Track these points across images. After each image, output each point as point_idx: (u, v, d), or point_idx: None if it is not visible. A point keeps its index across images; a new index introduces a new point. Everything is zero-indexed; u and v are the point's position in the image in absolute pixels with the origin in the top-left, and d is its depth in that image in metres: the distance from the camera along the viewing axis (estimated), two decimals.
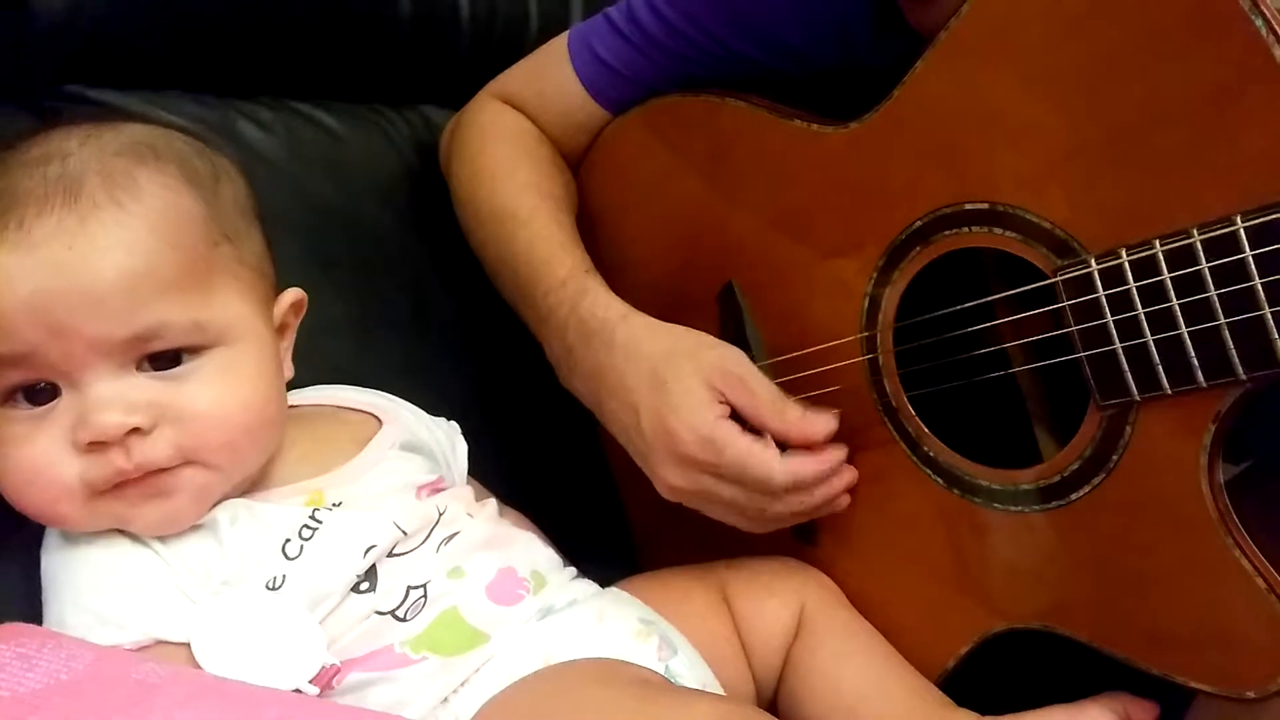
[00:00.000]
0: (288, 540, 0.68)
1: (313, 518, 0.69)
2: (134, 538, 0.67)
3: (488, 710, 0.67)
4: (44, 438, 0.64)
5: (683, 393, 0.76)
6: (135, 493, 0.65)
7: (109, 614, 0.64)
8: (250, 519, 0.68)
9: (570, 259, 0.86)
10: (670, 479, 0.77)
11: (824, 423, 0.77)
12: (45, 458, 0.64)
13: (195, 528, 0.68)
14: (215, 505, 0.68)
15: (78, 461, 0.64)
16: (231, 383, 0.67)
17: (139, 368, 0.65)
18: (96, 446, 0.63)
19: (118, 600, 0.65)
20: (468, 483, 0.83)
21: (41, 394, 0.64)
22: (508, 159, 0.92)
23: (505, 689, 0.67)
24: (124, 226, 0.64)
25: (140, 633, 0.64)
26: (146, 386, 0.64)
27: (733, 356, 0.78)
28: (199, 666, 0.62)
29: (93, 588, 0.65)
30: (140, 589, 0.65)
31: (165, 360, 0.65)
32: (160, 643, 0.64)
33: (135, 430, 0.63)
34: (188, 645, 0.63)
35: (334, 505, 0.70)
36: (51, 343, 0.62)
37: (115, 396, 0.63)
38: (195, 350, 0.66)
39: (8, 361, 0.63)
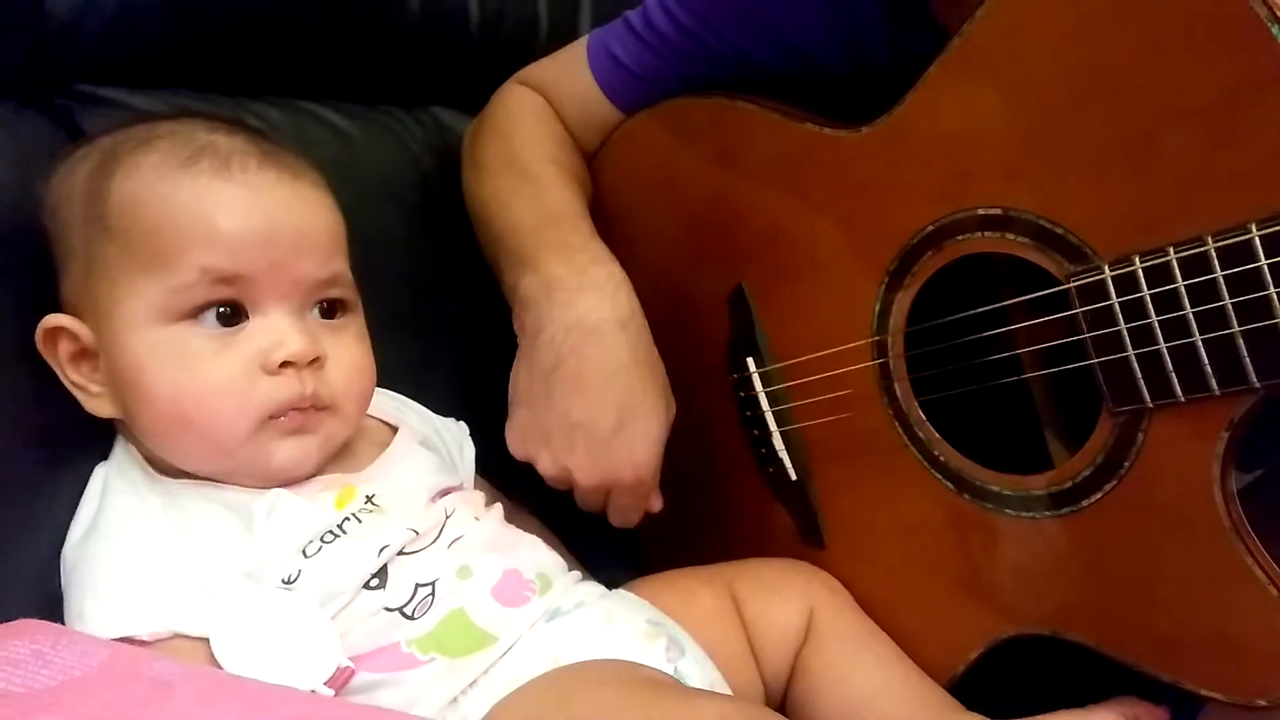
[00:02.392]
0: (309, 541, 0.69)
1: (339, 526, 0.70)
2: (162, 523, 0.68)
3: (497, 712, 0.67)
4: (233, 356, 0.68)
5: (640, 437, 0.81)
6: (295, 423, 0.70)
7: (129, 604, 0.65)
8: (283, 515, 0.69)
9: (587, 227, 0.87)
10: (548, 466, 0.82)
11: None
12: (237, 374, 0.68)
13: (231, 516, 0.69)
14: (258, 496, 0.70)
15: (263, 383, 0.68)
16: (364, 345, 0.75)
17: (311, 313, 0.72)
18: (287, 367, 0.68)
19: (139, 591, 0.65)
20: (477, 485, 0.83)
21: (233, 316, 0.69)
22: (534, 132, 0.93)
23: (514, 690, 0.67)
24: (321, 191, 0.74)
25: (159, 624, 0.64)
26: (319, 328, 0.72)
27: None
28: (216, 662, 0.63)
29: (115, 577, 0.66)
30: (162, 580, 0.66)
31: (330, 310, 0.73)
32: (178, 636, 0.64)
33: (314, 361, 0.70)
34: (205, 640, 0.64)
35: (368, 498, 0.72)
36: (268, 271, 0.68)
37: (303, 328, 0.70)
38: (346, 308, 0.74)
39: (222, 278, 0.68)
